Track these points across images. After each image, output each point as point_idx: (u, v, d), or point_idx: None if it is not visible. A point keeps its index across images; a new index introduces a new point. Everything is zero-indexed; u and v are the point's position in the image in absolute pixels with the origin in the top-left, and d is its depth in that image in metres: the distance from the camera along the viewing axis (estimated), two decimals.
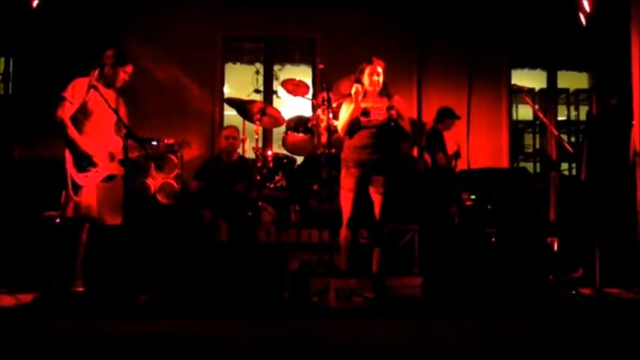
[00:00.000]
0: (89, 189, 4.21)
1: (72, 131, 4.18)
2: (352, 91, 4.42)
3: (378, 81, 4.47)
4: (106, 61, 4.35)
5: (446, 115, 6.27)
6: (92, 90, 4.17)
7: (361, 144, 4.43)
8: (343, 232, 4.44)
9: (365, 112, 4.42)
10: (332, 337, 3.33)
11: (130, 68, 4.41)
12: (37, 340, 3.13)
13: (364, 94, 4.45)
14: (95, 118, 4.30)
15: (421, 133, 6.91)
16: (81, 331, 3.33)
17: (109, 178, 4.28)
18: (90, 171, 4.20)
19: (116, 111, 4.23)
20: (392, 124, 4.41)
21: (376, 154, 4.41)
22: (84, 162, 4.19)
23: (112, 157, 4.29)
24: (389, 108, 4.42)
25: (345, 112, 4.49)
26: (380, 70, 4.48)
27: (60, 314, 3.84)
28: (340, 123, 4.53)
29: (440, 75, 7.14)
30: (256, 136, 5.92)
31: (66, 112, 4.19)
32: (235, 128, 5.95)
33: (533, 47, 7.26)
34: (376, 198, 4.46)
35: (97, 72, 4.19)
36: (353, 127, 4.43)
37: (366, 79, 4.47)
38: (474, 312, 4.07)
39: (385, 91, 4.52)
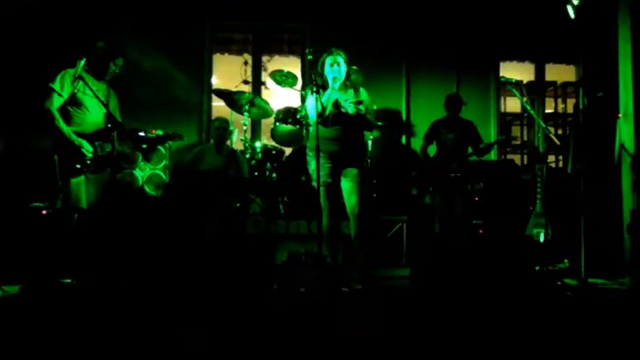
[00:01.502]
0: (78, 180, 4.19)
1: (60, 123, 4.16)
2: (330, 79, 4.37)
3: (339, 71, 4.41)
4: (96, 52, 4.32)
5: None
6: (81, 81, 4.15)
7: (329, 136, 4.41)
8: (324, 224, 4.44)
9: (334, 104, 4.39)
10: (320, 328, 3.34)
11: (120, 61, 4.39)
12: (24, 332, 3.11)
13: (337, 83, 4.40)
14: (84, 110, 4.28)
15: (410, 126, 6.95)
16: (68, 323, 3.32)
17: (98, 170, 4.26)
18: (78, 162, 4.18)
19: (105, 103, 4.20)
20: (360, 118, 4.38)
21: (345, 146, 4.40)
22: (72, 153, 4.17)
23: (100, 149, 4.26)
24: (358, 103, 4.38)
25: (316, 102, 4.39)
26: (340, 60, 4.42)
27: (47, 306, 3.82)
28: (312, 112, 4.39)
29: (428, 68, 7.15)
30: (245, 127, 5.92)
31: (54, 103, 4.17)
32: (225, 120, 5.93)
33: (521, 40, 7.29)
34: (352, 190, 4.45)
35: (83, 63, 4.16)
36: (328, 116, 4.39)
37: (326, 70, 4.42)
38: (461, 303, 4.10)
39: (349, 82, 4.49)
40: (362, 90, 4.53)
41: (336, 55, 4.41)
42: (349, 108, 4.37)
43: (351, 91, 4.47)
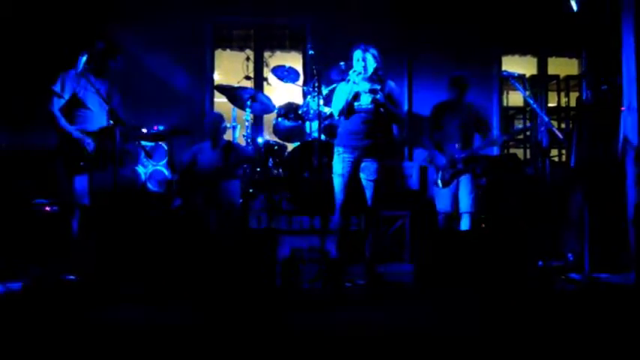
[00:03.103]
0: (81, 177, 4.21)
1: (63, 122, 4.22)
2: (350, 72, 4.41)
3: (364, 66, 4.44)
4: (96, 51, 4.34)
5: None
6: (83, 80, 4.18)
7: (352, 129, 4.43)
8: (335, 218, 4.44)
9: (355, 97, 4.41)
10: (323, 324, 3.34)
11: (119, 59, 4.41)
12: (27, 329, 3.12)
13: (359, 78, 4.43)
14: (87, 109, 4.30)
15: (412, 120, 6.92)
16: (71, 320, 3.33)
17: (101, 167, 4.27)
18: (82, 160, 4.20)
19: (108, 100, 4.22)
20: (380, 109, 4.40)
21: (367, 139, 4.41)
22: (76, 151, 4.19)
23: (103, 146, 4.28)
24: (372, 91, 4.40)
25: (339, 96, 4.46)
26: (367, 56, 4.45)
27: (50, 303, 3.83)
28: (335, 106, 4.51)
29: (431, 62, 7.12)
30: (247, 123, 5.91)
31: (54, 105, 4.21)
32: (219, 114, 5.92)
33: (524, 33, 7.25)
34: (368, 184, 4.45)
35: (85, 59, 4.18)
36: (347, 109, 4.42)
37: (354, 64, 4.45)
38: (464, 299, 4.09)
39: (376, 76, 4.49)
40: (388, 81, 4.54)
41: (364, 50, 4.44)
42: (366, 98, 4.39)
43: (378, 85, 4.48)
